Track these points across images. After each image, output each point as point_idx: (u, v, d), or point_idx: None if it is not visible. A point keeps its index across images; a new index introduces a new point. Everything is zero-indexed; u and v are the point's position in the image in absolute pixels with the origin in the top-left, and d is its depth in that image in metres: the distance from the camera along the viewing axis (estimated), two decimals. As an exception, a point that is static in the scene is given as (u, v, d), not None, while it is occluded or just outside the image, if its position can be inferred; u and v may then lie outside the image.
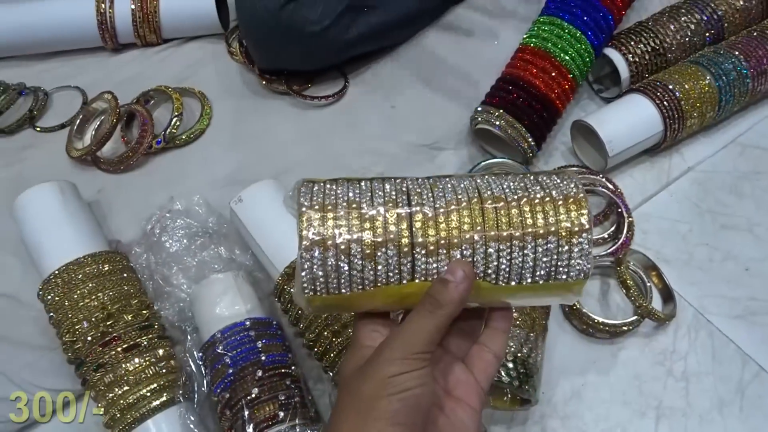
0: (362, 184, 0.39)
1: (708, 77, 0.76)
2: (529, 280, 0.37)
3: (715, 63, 0.77)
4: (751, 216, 0.75)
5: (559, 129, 0.84)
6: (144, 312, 0.64)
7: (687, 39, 0.82)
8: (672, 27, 0.82)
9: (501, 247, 0.37)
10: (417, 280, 0.37)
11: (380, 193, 0.38)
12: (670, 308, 0.68)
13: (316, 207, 0.37)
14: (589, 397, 0.63)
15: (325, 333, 0.60)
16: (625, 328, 0.65)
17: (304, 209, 0.37)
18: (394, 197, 0.38)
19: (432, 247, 0.37)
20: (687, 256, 0.72)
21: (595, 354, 0.66)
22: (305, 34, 0.77)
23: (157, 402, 0.59)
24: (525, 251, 0.37)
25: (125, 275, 0.65)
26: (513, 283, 0.37)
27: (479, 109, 0.78)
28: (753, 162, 0.80)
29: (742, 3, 0.83)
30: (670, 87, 0.75)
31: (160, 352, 0.62)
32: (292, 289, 0.62)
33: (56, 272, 0.62)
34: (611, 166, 0.77)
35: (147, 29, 0.90)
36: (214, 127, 0.85)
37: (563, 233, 0.37)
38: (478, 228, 0.37)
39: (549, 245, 0.37)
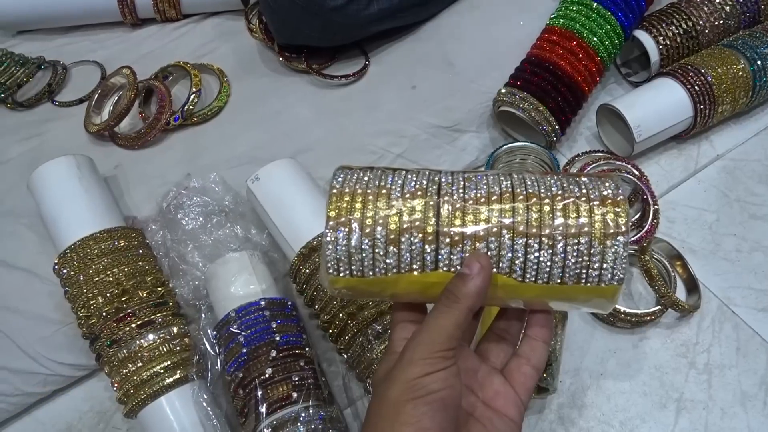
0: (396, 173, 0.39)
1: (742, 61, 0.73)
2: (558, 281, 0.36)
3: (750, 47, 0.74)
4: (782, 206, 0.73)
5: (584, 113, 0.82)
6: (159, 289, 0.64)
7: (721, 21, 0.79)
8: (706, 9, 0.79)
9: (529, 243, 0.35)
10: (440, 270, 0.37)
11: (411, 182, 0.38)
12: (695, 299, 0.66)
13: (346, 190, 0.38)
14: (608, 387, 0.62)
15: (341, 315, 0.59)
16: (648, 317, 0.64)
17: (334, 191, 0.38)
18: (425, 186, 0.37)
19: (457, 238, 0.36)
20: (713, 245, 0.70)
21: (615, 343, 0.64)
22: (326, 8, 0.75)
23: (171, 379, 0.58)
24: (554, 249, 0.35)
25: (141, 252, 0.65)
26: (540, 282, 0.36)
27: (503, 91, 0.76)
28: (786, 151, 0.77)
29: (780, -16, 0.80)
30: (702, 71, 0.73)
31: (175, 329, 0.62)
32: (307, 270, 0.61)
33: (72, 246, 0.62)
34: (637, 152, 0.75)
35: (166, 4, 0.89)
36: (232, 104, 0.84)
37: (597, 234, 0.35)
38: (506, 222, 0.36)
39: (580, 246, 0.35)
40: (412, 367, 0.35)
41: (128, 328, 0.59)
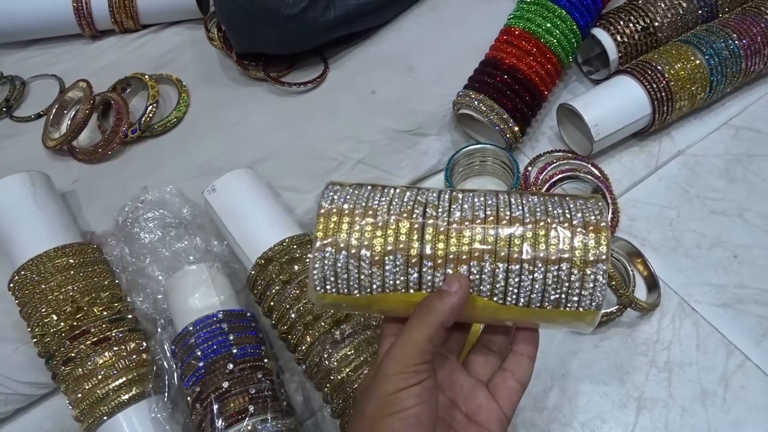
0: (384, 191, 0.40)
1: (699, 57, 0.74)
2: (538, 305, 0.37)
3: (706, 41, 0.74)
4: (741, 201, 0.72)
5: (546, 113, 0.82)
6: (115, 304, 0.63)
7: (678, 17, 0.79)
8: (663, 5, 0.79)
9: (510, 268, 0.36)
10: (424, 291, 0.38)
11: (397, 201, 0.39)
12: (654, 297, 0.66)
13: (334, 210, 0.39)
14: (569, 388, 0.62)
15: (297, 326, 0.59)
16: (608, 317, 0.64)
17: (323, 210, 0.39)
18: (411, 207, 0.38)
19: (440, 261, 0.37)
20: (674, 242, 0.70)
21: (576, 344, 0.64)
22: (281, 17, 0.74)
23: (127, 396, 0.58)
24: (534, 275, 0.36)
25: (96, 267, 0.64)
26: (521, 305, 0.37)
27: (461, 93, 0.75)
28: (746, 145, 0.77)
29: (736, -21, 0.80)
30: (659, 68, 0.73)
31: (131, 345, 0.61)
32: (264, 281, 0.61)
33: (25, 265, 0.62)
34: (598, 150, 0.75)
35: (124, 15, 0.88)
36: (191, 114, 0.83)
37: (577, 261, 0.36)
38: (488, 247, 0.36)
39: (561, 272, 0.36)
40: (387, 382, 0.35)
41: (83, 346, 0.59)
